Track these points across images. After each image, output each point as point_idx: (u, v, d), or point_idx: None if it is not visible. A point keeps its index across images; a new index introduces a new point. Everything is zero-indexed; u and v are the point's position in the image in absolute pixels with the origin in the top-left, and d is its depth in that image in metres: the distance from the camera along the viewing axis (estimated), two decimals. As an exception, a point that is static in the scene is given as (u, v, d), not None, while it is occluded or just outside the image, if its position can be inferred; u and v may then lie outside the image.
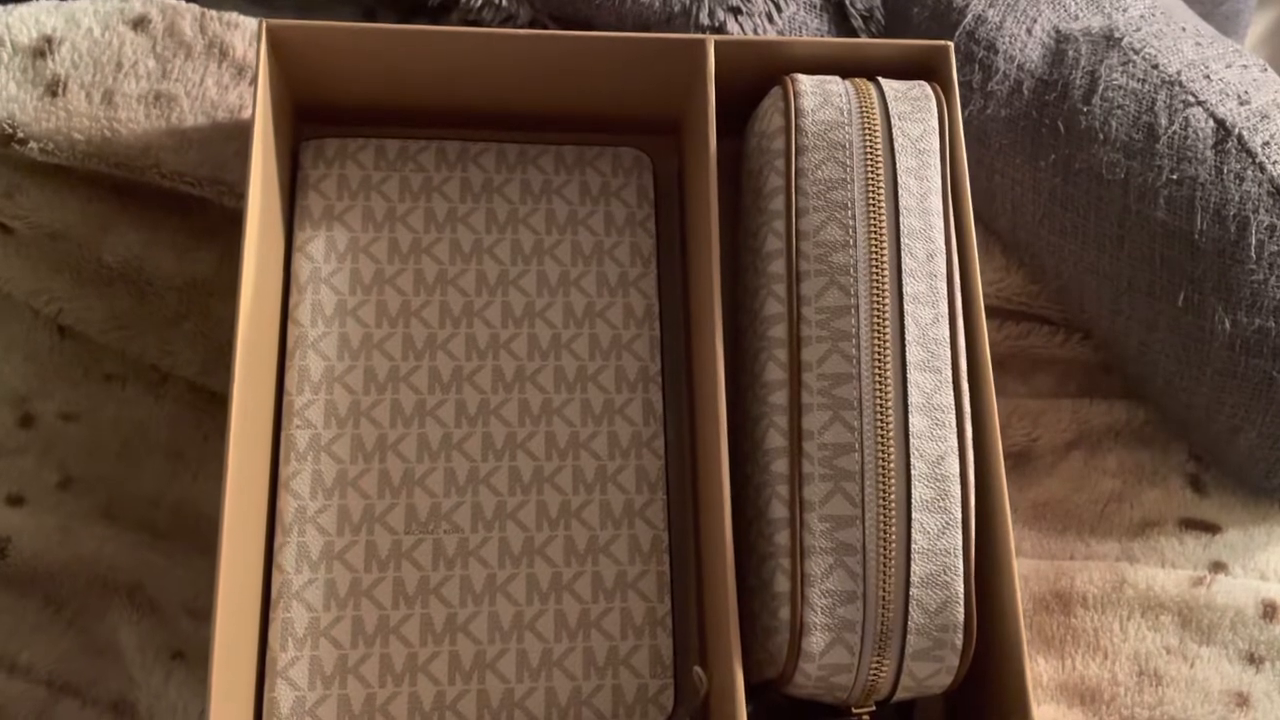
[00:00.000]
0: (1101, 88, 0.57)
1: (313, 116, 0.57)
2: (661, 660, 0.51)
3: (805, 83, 0.50)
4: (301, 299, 0.53)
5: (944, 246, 0.48)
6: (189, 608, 0.53)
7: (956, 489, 0.46)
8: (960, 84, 0.56)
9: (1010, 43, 0.59)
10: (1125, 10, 0.60)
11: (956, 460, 0.46)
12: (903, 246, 0.47)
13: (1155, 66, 0.57)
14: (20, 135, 0.54)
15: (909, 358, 0.46)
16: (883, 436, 0.45)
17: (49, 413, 0.55)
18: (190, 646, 0.52)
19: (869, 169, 0.48)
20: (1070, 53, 0.58)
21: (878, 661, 0.45)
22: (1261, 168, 0.54)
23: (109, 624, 0.52)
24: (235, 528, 0.44)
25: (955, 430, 0.46)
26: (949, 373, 0.47)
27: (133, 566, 0.53)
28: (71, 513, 0.54)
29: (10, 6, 0.56)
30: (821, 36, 0.61)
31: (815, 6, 0.62)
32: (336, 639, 0.49)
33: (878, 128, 0.49)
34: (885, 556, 0.44)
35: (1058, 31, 0.59)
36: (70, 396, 0.56)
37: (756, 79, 0.53)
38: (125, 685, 0.51)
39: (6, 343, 0.56)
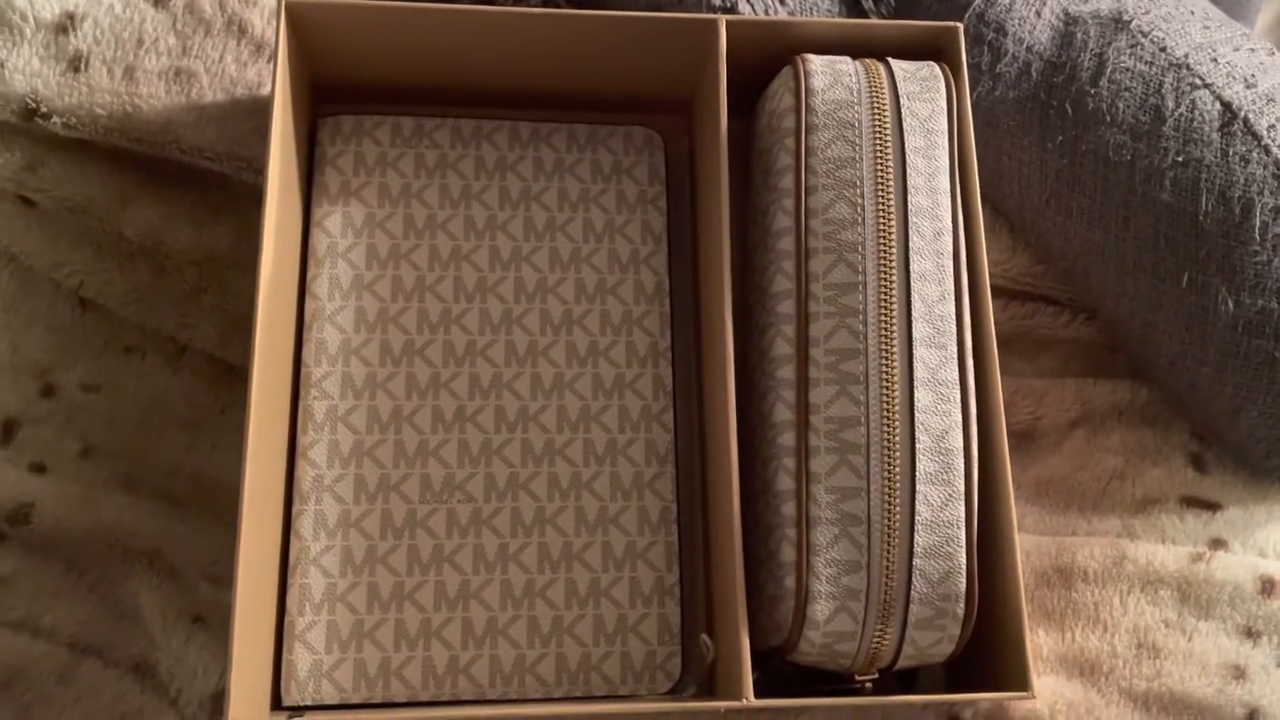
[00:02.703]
0: (1109, 70, 0.57)
1: (330, 94, 0.58)
2: (669, 628, 0.52)
3: (816, 62, 0.51)
4: (319, 273, 0.54)
5: (951, 225, 0.49)
6: (208, 574, 0.54)
7: (960, 462, 0.46)
8: (969, 65, 0.57)
9: (1019, 25, 0.59)
10: (1134, -7, 0.60)
11: (960, 434, 0.47)
12: (910, 224, 0.48)
13: (1163, 49, 0.57)
14: (43, 110, 0.55)
15: (915, 334, 0.47)
16: (888, 411, 0.46)
17: (70, 383, 0.56)
18: (209, 611, 0.53)
19: (878, 148, 0.49)
20: (1079, 35, 0.59)
21: (881, 630, 0.46)
22: (1267, 150, 0.55)
23: (130, 589, 0.54)
24: (255, 496, 0.45)
25: (960, 405, 0.47)
26: (954, 349, 0.48)
27: (152, 534, 0.54)
28: (92, 481, 0.55)
29: (33, -17, 0.57)
30: (832, 17, 0.62)
31: (826, -13, 0.62)
32: (353, 604, 0.50)
33: (887, 108, 0.49)
34: (889, 527, 0.45)
35: (1066, 14, 0.60)
36: (91, 368, 0.57)
37: (767, 59, 0.53)
38: (146, 648, 0.53)
39: (29, 314, 0.57)
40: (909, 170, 0.49)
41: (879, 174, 0.48)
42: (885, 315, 0.47)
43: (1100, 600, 0.56)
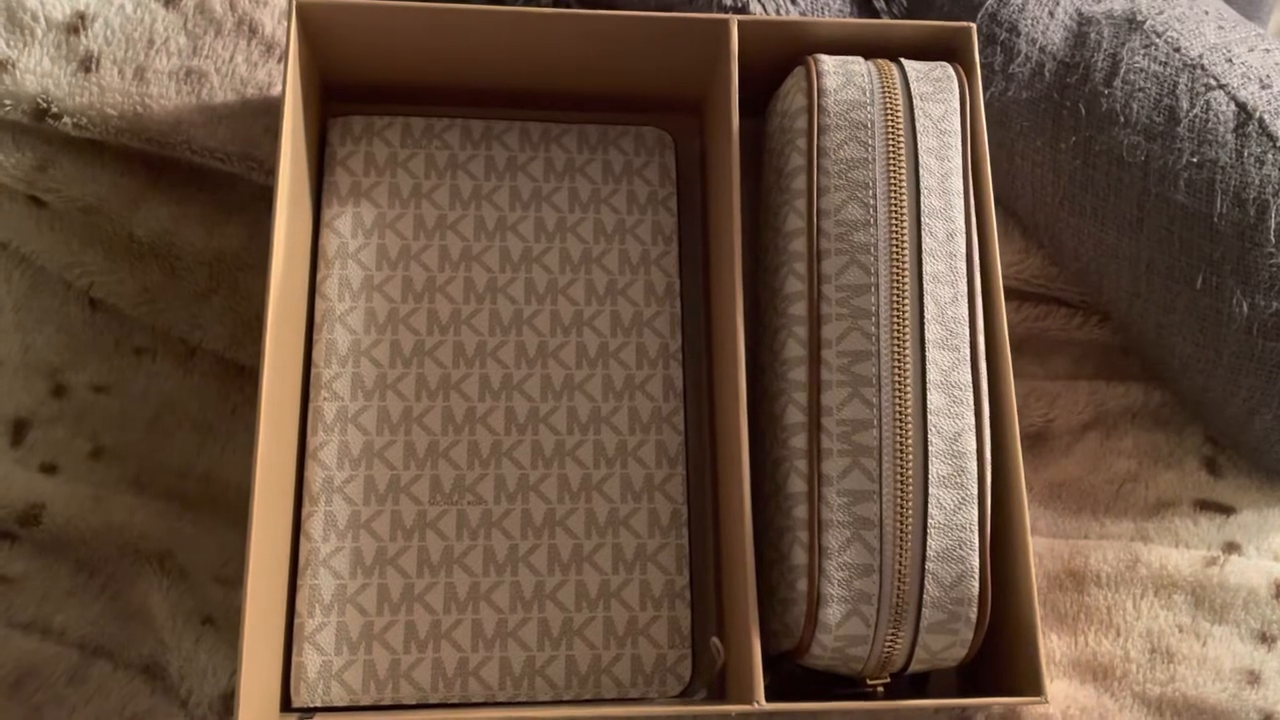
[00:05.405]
0: (1123, 70, 0.57)
1: (340, 94, 0.58)
2: (680, 631, 0.52)
3: (828, 63, 0.50)
4: (329, 274, 0.54)
5: (964, 227, 0.49)
6: (217, 575, 0.54)
7: (973, 465, 0.46)
8: (982, 66, 0.57)
9: (1032, 25, 0.59)
10: (1148, -7, 0.60)
11: (973, 437, 0.46)
12: (923, 226, 0.48)
13: (1177, 49, 0.57)
14: (54, 110, 0.55)
15: (928, 336, 0.47)
16: (901, 413, 0.46)
17: (81, 384, 0.57)
18: (219, 612, 0.53)
19: (890, 149, 0.48)
20: (1092, 35, 0.58)
21: (893, 634, 0.46)
22: (1282, 151, 0.55)
23: (140, 590, 0.54)
24: (265, 497, 0.45)
25: (973, 408, 0.47)
26: (967, 351, 0.47)
27: (162, 534, 0.54)
28: (102, 482, 0.55)
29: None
30: (844, 17, 0.61)
31: (838, -12, 0.62)
32: (362, 606, 0.50)
33: (899, 108, 0.49)
34: (902, 531, 0.45)
35: (1080, 14, 0.59)
36: (101, 368, 0.57)
37: (779, 59, 0.53)
38: (156, 649, 0.53)
39: (40, 315, 0.57)
40: (921, 171, 0.48)
41: (891, 175, 0.48)
42: (898, 317, 0.47)
43: (1113, 604, 0.55)
